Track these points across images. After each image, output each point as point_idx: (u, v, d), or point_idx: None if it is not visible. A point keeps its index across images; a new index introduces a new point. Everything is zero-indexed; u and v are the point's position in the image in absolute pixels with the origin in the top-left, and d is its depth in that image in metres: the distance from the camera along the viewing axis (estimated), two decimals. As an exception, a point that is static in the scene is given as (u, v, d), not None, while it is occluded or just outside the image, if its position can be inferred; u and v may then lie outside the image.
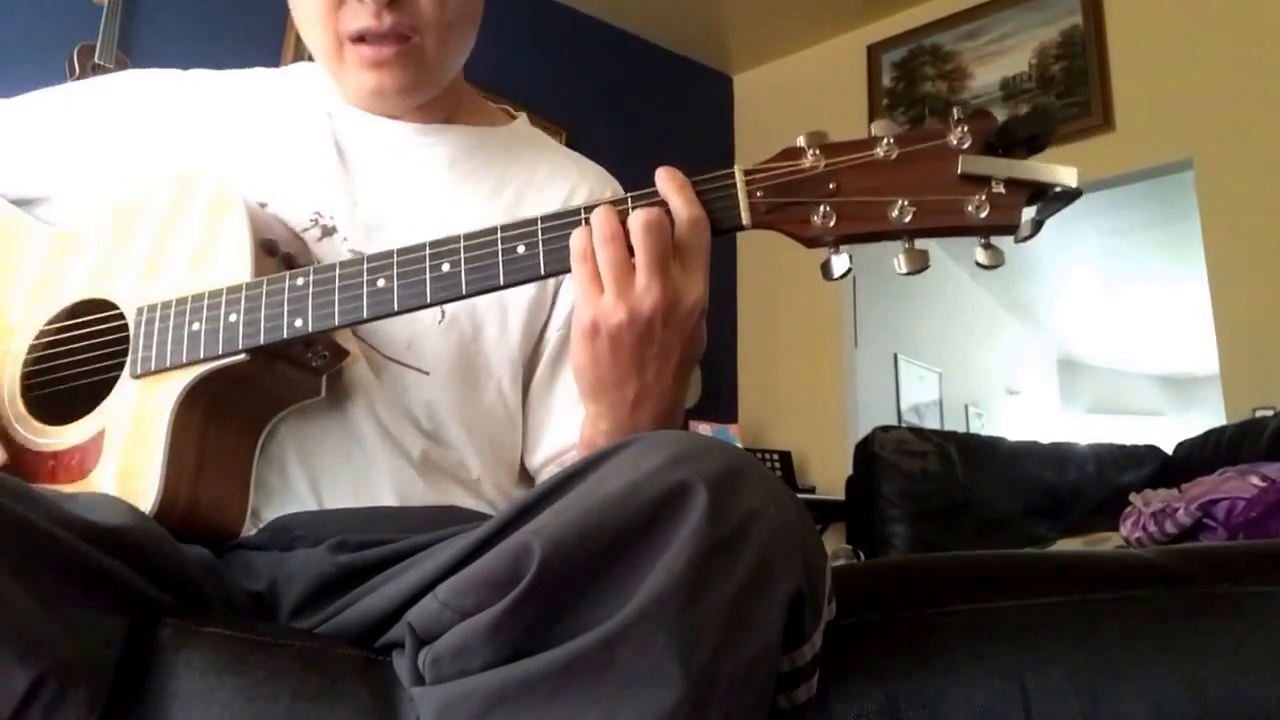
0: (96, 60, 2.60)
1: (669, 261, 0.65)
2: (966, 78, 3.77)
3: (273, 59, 0.99)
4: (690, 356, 0.69)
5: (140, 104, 0.93)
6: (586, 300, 0.66)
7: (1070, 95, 3.45)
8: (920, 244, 0.64)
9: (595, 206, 0.67)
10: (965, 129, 0.63)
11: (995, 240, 0.64)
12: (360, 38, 0.83)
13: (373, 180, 0.90)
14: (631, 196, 0.67)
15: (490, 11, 0.93)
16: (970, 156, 0.62)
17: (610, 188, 0.98)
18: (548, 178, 0.95)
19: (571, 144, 1.06)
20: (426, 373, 0.84)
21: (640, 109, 3.96)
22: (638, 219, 0.64)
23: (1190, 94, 3.19)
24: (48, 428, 0.79)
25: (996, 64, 3.68)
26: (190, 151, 0.89)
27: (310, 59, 0.91)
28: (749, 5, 3.99)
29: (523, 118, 1.02)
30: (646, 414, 0.70)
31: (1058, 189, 0.62)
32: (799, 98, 4.16)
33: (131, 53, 2.69)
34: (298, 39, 3.03)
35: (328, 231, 0.86)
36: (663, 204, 0.66)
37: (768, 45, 4.27)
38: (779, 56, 4.34)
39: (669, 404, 0.71)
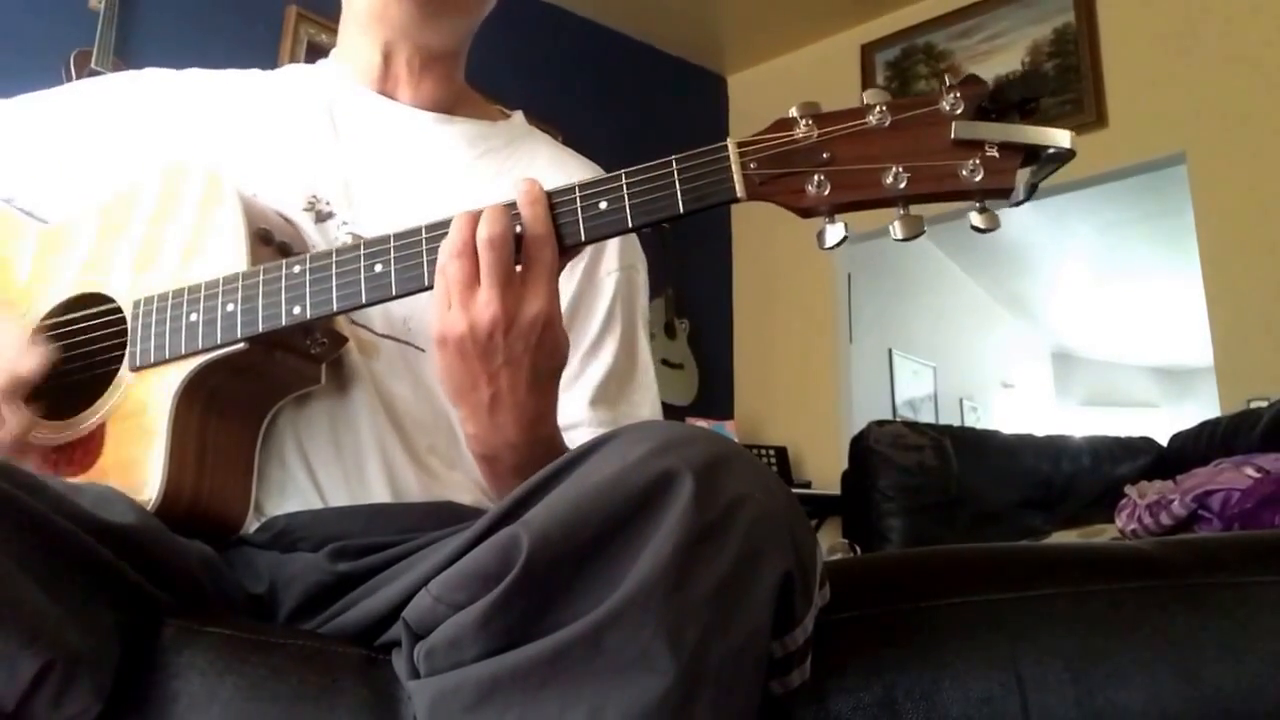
0: (94, 65, 2.59)
1: (511, 275, 0.66)
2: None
3: (269, 64, 1.00)
4: (544, 367, 0.70)
5: (134, 102, 0.93)
6: (436, 311, 0.68)
7: (1063, 92, 3.46)
8: (915, 210, 0.64)
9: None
10: (957, 94, 0.63)
11: (990, 205, 0.64)
12: None
13: (373, 164, 0.90)
14: (505, 205, 0.67)
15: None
16: (963, 122, 0.62)
17: None
18: (546, 168, 0.96)
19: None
20: (422, 350, 0.85)
21: (634, 110, 3.94)
22: (482, 234, 0.65)
23: (1182, 89, 3.20)
24: (47, 423, 0.79)
25: (990, 63, 3.68)
26: (184, 145, 0.89)
27: (305, 60, 0.91)
28: (743, 6, 3.98)
29: (519, 114, 1.03)
30: (507, 419, 0.71)
31: (1051, 150, 0.62)
32: (793, 98, 3.99)
33: (128, 58, 2.67)
34: (294, 45, 3.03)
35: (323, 216, 0.86)
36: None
37: (761, 46, 4.26)
38: (773, 57, 4.33)
39: (530, 412, 0.71)
